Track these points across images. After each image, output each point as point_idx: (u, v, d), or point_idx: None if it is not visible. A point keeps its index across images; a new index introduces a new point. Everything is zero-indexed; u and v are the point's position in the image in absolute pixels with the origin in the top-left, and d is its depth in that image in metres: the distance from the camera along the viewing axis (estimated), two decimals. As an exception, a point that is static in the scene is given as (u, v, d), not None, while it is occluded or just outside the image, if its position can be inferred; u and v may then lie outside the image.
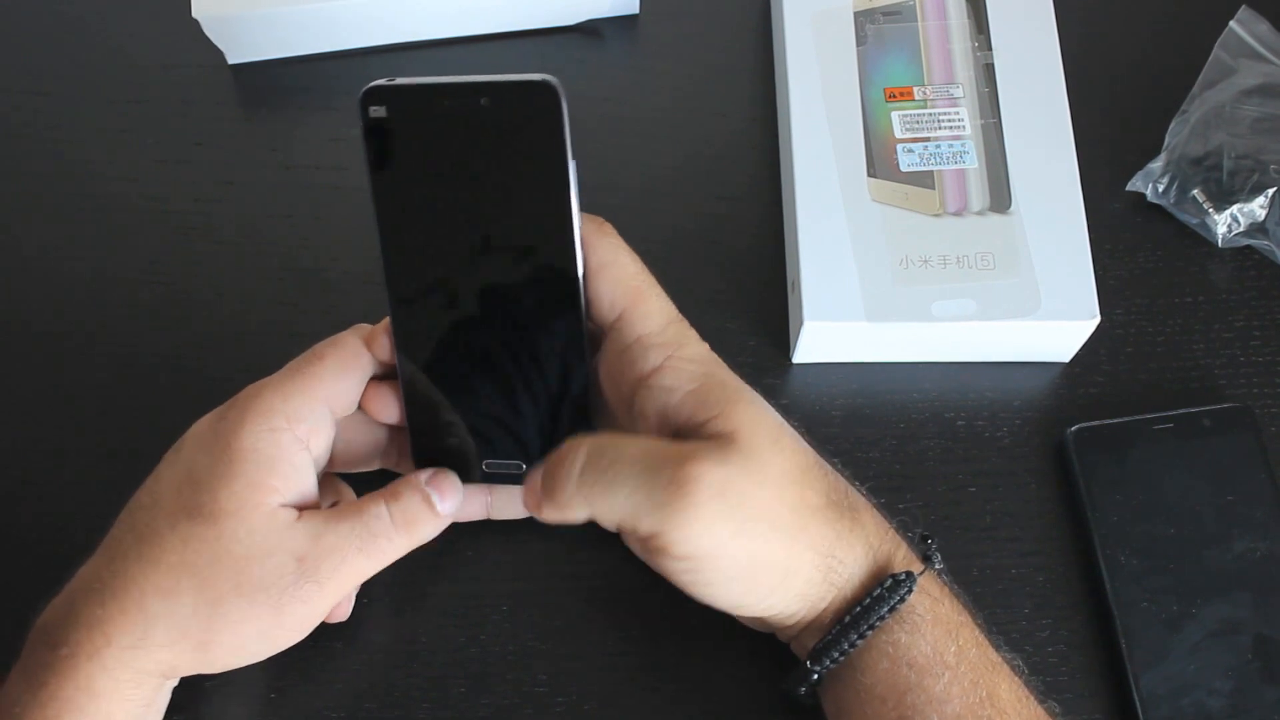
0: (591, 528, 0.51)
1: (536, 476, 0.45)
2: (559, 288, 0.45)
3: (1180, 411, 0.52)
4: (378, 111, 0.43)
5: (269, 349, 0.55)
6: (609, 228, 0.46)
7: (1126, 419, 0.52)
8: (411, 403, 0.47)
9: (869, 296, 0.52)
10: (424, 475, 0.46)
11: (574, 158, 0.43)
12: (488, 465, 0.47)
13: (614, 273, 0.45)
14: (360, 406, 0.47)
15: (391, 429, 0.49)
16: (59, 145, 0.60)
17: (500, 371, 0.46)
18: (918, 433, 0.54)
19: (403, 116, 0.43)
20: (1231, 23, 0.59)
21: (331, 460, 0.48)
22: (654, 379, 0.44)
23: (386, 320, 0.46)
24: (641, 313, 0.45)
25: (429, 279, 0.45)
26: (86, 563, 0.43)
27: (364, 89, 0.43)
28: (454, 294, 0.45)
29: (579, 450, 0.43)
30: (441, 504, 0.46)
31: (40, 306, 0.56)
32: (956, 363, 0.55)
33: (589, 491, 0.42)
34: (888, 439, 0.54)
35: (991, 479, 0.53)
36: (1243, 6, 0.60)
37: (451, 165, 0.44)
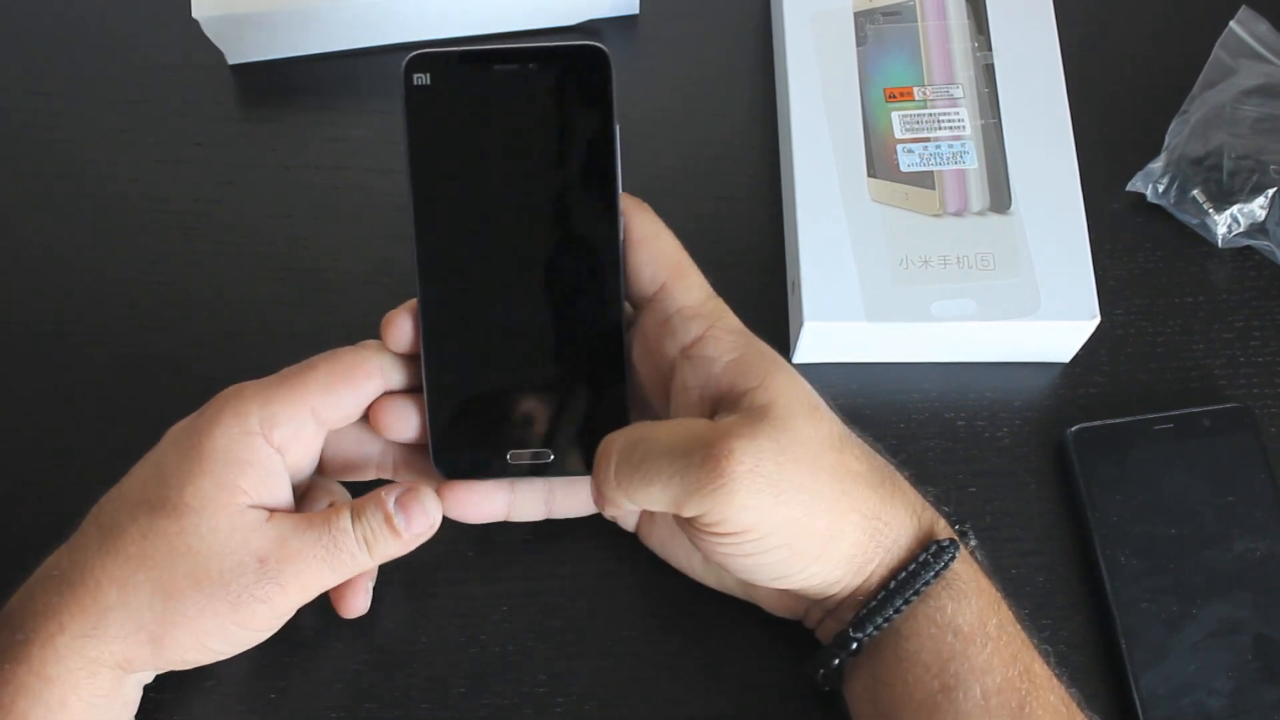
0: (584, 528, 0.51)
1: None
2: (600, 259, 0.44)
3: (1180, 412, 0.52)
4: (421, 79, 0.43)
5: (269, 349, 0.55)
6: (647, 205, 0.46)
7: (1126, 419, 0.52)
8: (433, 391, 0.45)
9: (869, 297, 0.52)
10: (393, 495, 0.44)
11: (618, 123, 0.43)
12: (513, 456, 0.46)
13: (655, 245, 0.45)
14: (371, 422, 0.46)
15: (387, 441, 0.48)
16: (59, 145, 0.60)
17: (532, 353, 0.45)
18: (918, 433, 0.54)
19: (447, 84, 0.43)
20: (1231, 23, 0.59)
21: (321, 467, 0.48)
22: (695, 349, 0.44)
23: (412, 301, 0.45)
24: (683, 286, 0.45)
25: (465, 255, 0.45)
26: (54, 553, 0.43)
27: (408, 57, 0.43)
28: (489, 270, 0.45)
29: (612, 449, 0.43)
30: (407, 528, 0.44)
31: (40, 306, 0.56)
32: (956, 363, 0.55)
33: (628, 488, 0.42)
34: (888, 439, 0.54)
35: (991, 479, 0.53)
36: (1243, 6, 0.60)
37: (496, 134, 0.43)
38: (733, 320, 0.45)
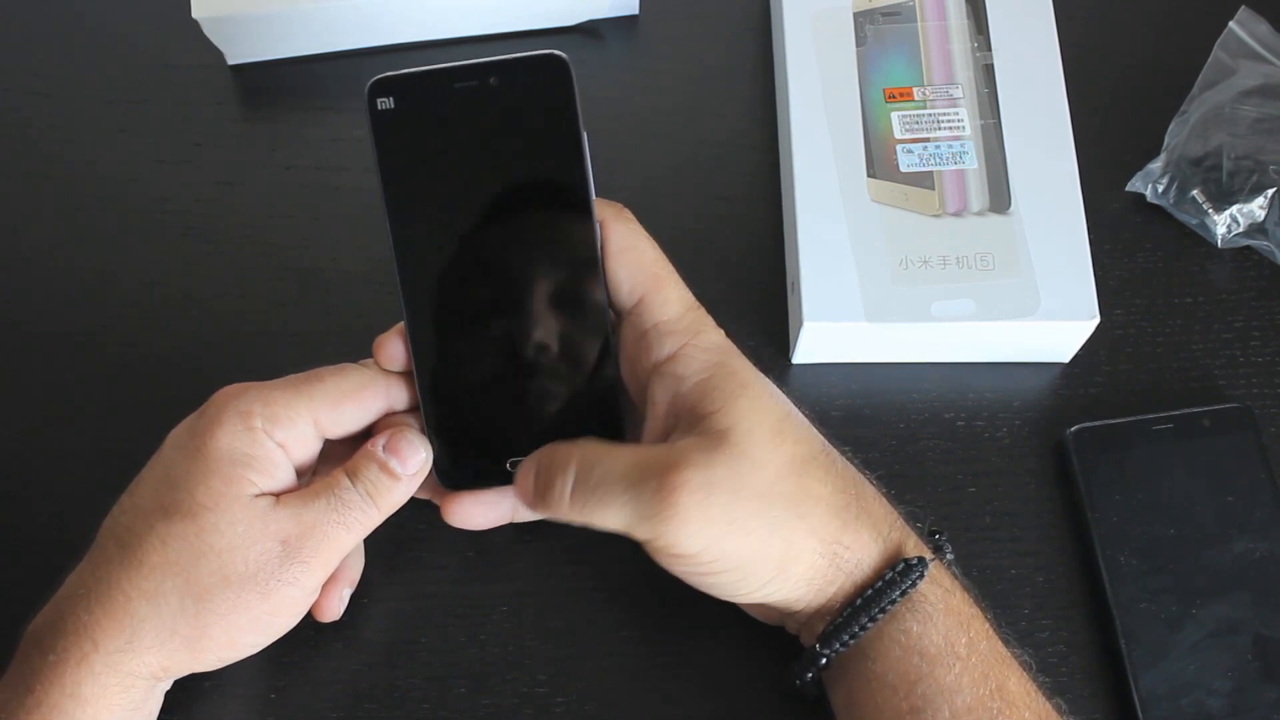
0: (587, 531, 0.51)
1: (529, 476, 0.45)
2: (581, 268, 0.44)
3: (1180, 412, 0.52)
4: (385, 104, 0.43)
5: (269, 349, 0.55)
6: (627, 213, 0.45)
7: (1126, 419, 0.52)
8: (429, 407, 0.46)
9: (868, 297, 0.52)
10: (380, 443, 0.45)
11: (585, 130, 0.43)
12: (511, 464, 0.46)
13: (633, 257, 0.45)
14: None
15: None
16: (59, 145, 0.60)
17: (522, 364, 0.46)
18: (918, 433, 0.54)
19: (412, 106, 0.43)
20: (1231, 23, 0.59)
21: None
22: (667, 366, 0.44)
23: (400, 325, 0.45)
24: (660, 299, 0.45)
25: (446, 273, 0.45)
26: (74, 571, 0.43)
27: (370, 82, 0.43)
28: (472, 287, 0.45)
29: (567, 470, 0.44)
30: (402, 468, 0.45)
31: (40, 306, 0.56)
32: (956, 363, 0.55)
33: (581, 509, 0.43)
34: (887, 439, 0.54)
35: (991, 479, 0.53)
36: (1242, 7, 0.60)
37: (464, 151, 0.43)
38: (710, 336, 0.45)
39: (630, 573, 0.50)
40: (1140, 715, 0.47)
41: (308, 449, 0.45)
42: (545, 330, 0.45)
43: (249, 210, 0.58)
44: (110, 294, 0.57)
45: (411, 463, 0.45)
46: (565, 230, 0.44)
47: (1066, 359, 0.55)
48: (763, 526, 0.42)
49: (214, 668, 0.44)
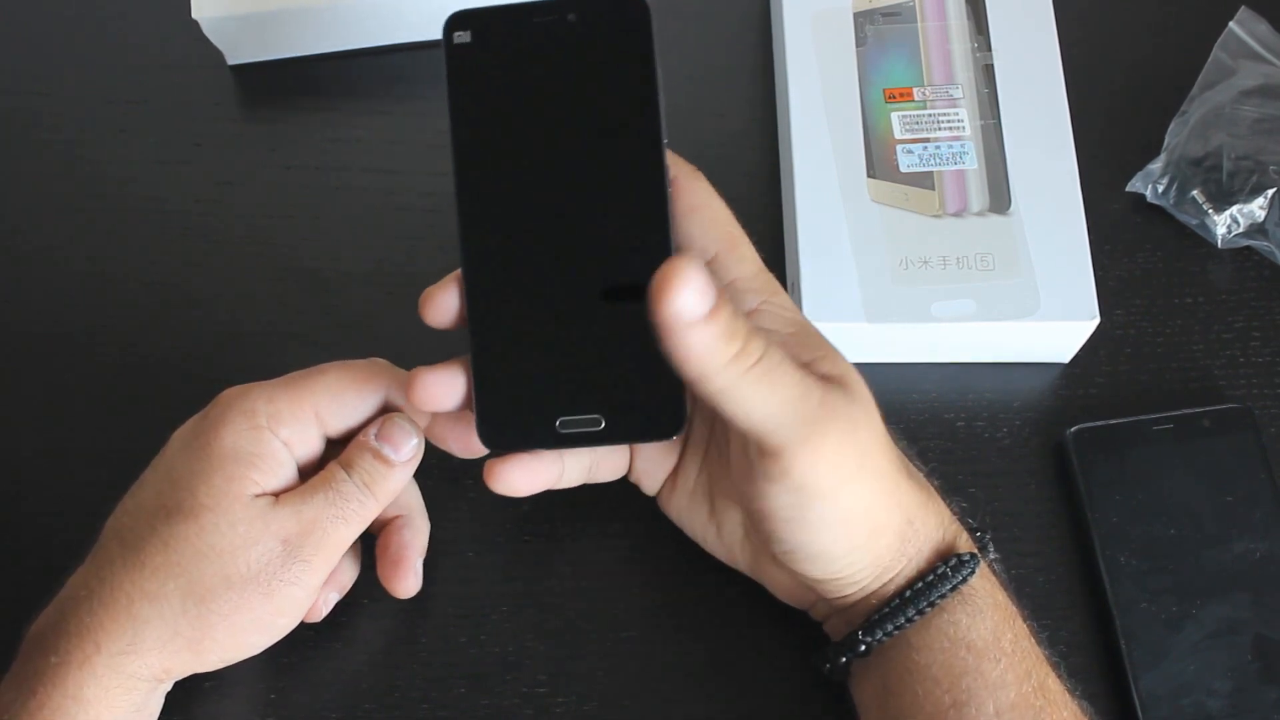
0: (585, 527, 0.51)
1: (715, 324, 0.36)
2: (648, 218, 0.43)
3: (1180, 412, 0.52)
4: (462, 37, 0.42)
5: (268, 349, 0.55)
6: (700, 173, 0.44)
7: (1126, 420, 0.52)
8: (480, 358, 0.43)
9: (868, 297, 0.52)
10: (372, 432, 0.45)
11: (661, 72, 0.42)
12: (562, 424, 0.43)
13: (708, 215, 0.44)
14: (409, 395, 0.43)
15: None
16: (59, 145, 0.60)
17: (581, 318, 0.43)
18: (918, 433, 0.54)
19: (489, 40, 0.42)
20: (1231, 24, 0.59)
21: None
22: (751, 320, 0.41)
23: (455, 273, 0.43)
24: (736, 257, 0.44)
25: (510, 217, 0.43)
26: (76, 571, 0.43)
27: (449, 15, 0.42)
28: (535, 233, 0.43)
29: (757, 337, 0.37)
30: (395, 454, 0.45)
31: (40, 306, 0.56)
32: (956, 363, 0.55)
33: (758, 379, 0.37)
34: (887, 439, 0.54)
35: (991, 479, 0.53)
36: (1242, 7, 0.60)
37: (538, 90, 0.43)
38: (785, 299, 0.44)
39: (631, 573, 0.50)
40: (1140, 716, 0.47)
41: (310, 445, 0.45)
42: (610, 283, 0.43)
43: (249, 210, 0.58)
44: (110, 294, 0.57)
45: (404, 448, 0.45)
46: (635, 180, 0.43)
47: (1066, 359, 0.55)
48: (874, 482, 0.41)
49: (217, 667, 0.44)
